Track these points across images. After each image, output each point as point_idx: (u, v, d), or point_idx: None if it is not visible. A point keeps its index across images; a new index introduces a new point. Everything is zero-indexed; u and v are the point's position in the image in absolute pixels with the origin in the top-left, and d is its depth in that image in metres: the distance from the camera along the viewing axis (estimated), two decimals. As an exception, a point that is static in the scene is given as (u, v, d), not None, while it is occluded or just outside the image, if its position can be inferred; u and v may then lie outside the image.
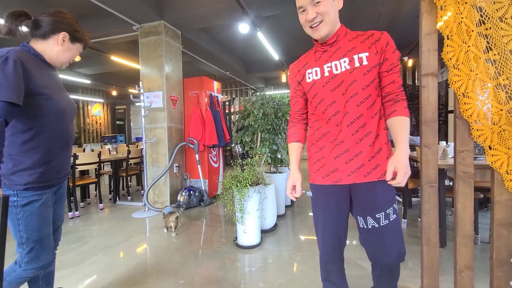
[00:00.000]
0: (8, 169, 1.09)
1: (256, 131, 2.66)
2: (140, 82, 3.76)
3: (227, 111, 9.03)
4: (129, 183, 4.99)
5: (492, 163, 1.56)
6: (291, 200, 3.73)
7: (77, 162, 3.42)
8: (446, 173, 2.39)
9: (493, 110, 1.52)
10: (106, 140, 10.28)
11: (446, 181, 2.54)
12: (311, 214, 3.39)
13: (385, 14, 4.61)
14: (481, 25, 1.54)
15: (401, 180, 0.96)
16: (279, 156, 3.16)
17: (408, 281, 1.79)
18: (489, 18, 1.53)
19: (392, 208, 1.07)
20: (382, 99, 1.08)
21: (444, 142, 2.80)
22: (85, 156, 3.60)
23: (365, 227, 1.09)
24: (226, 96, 9.83)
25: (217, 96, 4.43)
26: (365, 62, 1.03)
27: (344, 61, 1.05)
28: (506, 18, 1.49)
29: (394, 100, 1.06)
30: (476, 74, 1.55)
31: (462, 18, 1.57)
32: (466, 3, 1.55)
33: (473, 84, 1.56)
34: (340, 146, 1.06)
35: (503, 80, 1.51)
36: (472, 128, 1.58)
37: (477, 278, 1.63)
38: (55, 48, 1.21)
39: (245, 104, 2.74)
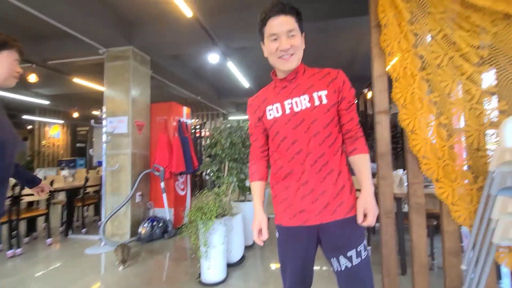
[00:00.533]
0: None
1: (224, 160, 2.64)
2: (103, 107, 3.61)
3: (197, 135, 8.94)
4: (85, 214, 4.58)
5: (439, 194, 1.68)
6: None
7: (23, 192, 3.08)
8: (403, 201, 2.53)
9: (437, 146, 1.67)
10: (64, 164, 9.46)
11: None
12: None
13: (346, 51, 5.04)
14: (423, 70, 1.73)
15: (372, 221, 0.97)
16: (247, 184, 3.14)
17: None
18: (429, 65, 1.73)
19: (362, 245, 1.05)
20: (343, 136, 1.10)
21: (401, 170, 2.97)
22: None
23: (340, 269, 1.04)
24: (197, 120, 9.76)
25: (186, 122, 4.38)
26: (324, 101, 1.03)
27: (304, 99, 1.04)
28: (442, 66, 1.69)
29: (354, 138, 1.08)
30: (421, 113, 1.71)
31: (407, 63, 1.75)
32: (409, 51, 1.74)
33: (419, 122, 1.72)
34: (305, 186, 1.04)
35: (444, 119, 1.69)
36: (421, 162, 1.71)
37: (434, 307, 1.68)
38: None
39: (213, 133, 2.73)
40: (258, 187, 1.19)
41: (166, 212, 3.76)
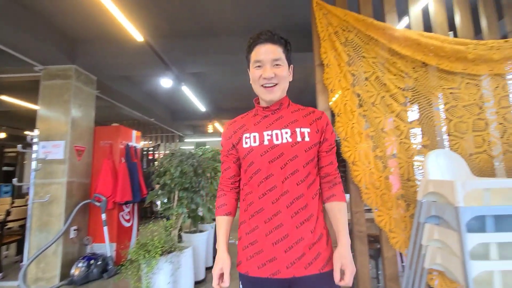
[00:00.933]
0: None
1: (173, 190, 2.49)
2: (36, 130, 3.20)
3: (150, 157, 8.42)
4: (4, 254, 3.85)
5: (378, 222, 1.80)
6: (213, 261, 3.48)
7: None
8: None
9: (374, 177, 1.81)
10: (-17, 192, 8.01)
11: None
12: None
13: (298, 81, 5.38)
14: (360, 107, 1.90)
15: (349, 280, 0.88)
16: (200, 213, 2.99)
17: None
18: (365, 103, 1.90)
19: None
20: (320, 180, 1.03)
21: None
22: None
23: None
24: (150, 142, 9.26)
25: (135, 147, 4.10)
26: (307, 138, 0.97)
27: (286, 132, 0.97)
28: (375, 104, 1.88)
29: (332, 183, 1.02)
30: (360, 146, 1.86)
31: (346, 100, 1.91)
32: (348, 89, 1.91)
33: (359, 154, 1.85)
34: (279, 230, 0.92)
35: (379, 152, 1.84)
36: (362, 192, 1.83)
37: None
38: None
39: (161, 161, 2.58)
40: (225, 223, 1.03)
41: (106, 248, 3.35)
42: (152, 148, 8.66)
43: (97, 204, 3.41)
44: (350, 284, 0.89)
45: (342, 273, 0.89)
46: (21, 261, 3.79)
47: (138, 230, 3.99)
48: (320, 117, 1.03)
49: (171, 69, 3.52)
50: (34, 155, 3.09)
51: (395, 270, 1.74)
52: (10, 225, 3.71)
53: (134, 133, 4.20)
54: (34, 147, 3.13)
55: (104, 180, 3.51)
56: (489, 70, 1.86)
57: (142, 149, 6.99)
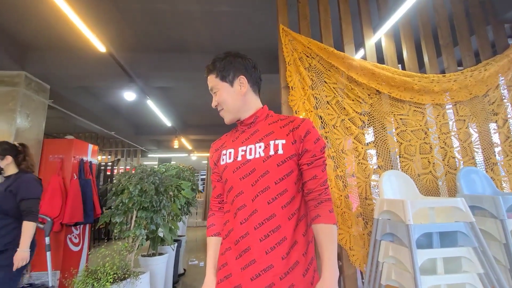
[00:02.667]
0: None
1: (131, 209, 2.32)
2: (-31, 141, 2.80)
3: (108, 173, 7.82)
4: None
5: (339, 240, 1.85)
6: (173, 285, 3.25)
7: None
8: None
9: (335, 196, 1.88)
10: None
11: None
12: (194, 300, 3.00)
13: (265, 102, 5.52)
14: (322, 128, 2.00)
15: None
16: (160, 234, 2.81)
17: None
18: (327, 124, 2.00)
19: None
20: (305, 198, 0.91)
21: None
22: None
23: None
24: (109, 157, 8.65)
25: (90, 162, 3.79)
26: (280, 151, 0.88)
27: (260, 146, 0.91)
28: (336, 126, 1.99)
29: (317, 201, 0.88)
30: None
31: (310, 121, 2.00)
32: (311, 111, 2.00)
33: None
34: (246, 254, 0.84)
35: (340, 172, 1.93)
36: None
37: None
38: None
39: (119, 178, 2.41)
40: (213, 244, 1.00)
41: (49, 277, 2.95)
42: (110, 163, 8.08)
43: (41, 226, 3.03)
44: None
45: None
46: None
47: (88, 254, 3.61)
48: (299, 126, 0.91)
49: (135, 82, 3.40)
50: (-36, 170, 2.68)
51: (355, 287, 1.79)
52: None
53: (91, 147, 3.89)
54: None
55: (51, 198, 3.15)
56: (432, 100, 2.10)
57: (99, 165, 6.49)
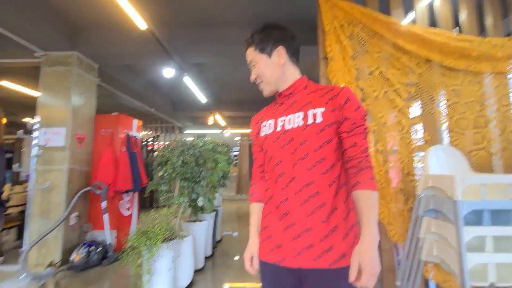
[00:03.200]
0: None
1: (174, 179, 2.51)
2: (36, 116, 3.19)
3: (149, 148, 8.42)
4: (4, 239, 3.88)
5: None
6: (212, 250, 3.53)
7: None
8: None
9: (375, 171, 1.83)
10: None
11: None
12: (236, 257, 3.25)
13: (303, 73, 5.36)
14: (363, 101, 1.92)
15: (366, 282, 0.76)
16: (199, 204, 3.02)
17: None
18: (368, 97, 1.91)
19: None
20: (345, 166, 0.92)
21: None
22: None
23: None
24: (150, 133, 9.24)
25: (135, 136, 4.10)
26: (319, 119, 0.89)
27: (299, 116, 0.93)
28: (378, 98, 1.89)
29: (357, 168, 0.88)
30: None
31: (350, 94, 1.92)
32: (352, 83, 1.91)
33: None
34: (287, 217, 0.89)
35: (380, 146, 1.87)
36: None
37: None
38: None
39: (163, 151, 2.59)
40: (255, 210, 1.07)
41: (106, 235, 3.39)
42: (151, 139, 8.66)
43: (97, 192, 3.43)
44: (369, 286, 0.76)
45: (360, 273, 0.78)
46: (21, 246, 3.83)
47: (138, 219, 4.03)
48: (338, 94, 0.91)
49: (173, 59, 3.50)
50: (34, 142, 3.09)
51: (391, 261, 1.78)
52: (9, 211, 3.74)
53: (135, 122, 4.20)
54: (35, 134, 3.13)
55: (104, 168, 3.52)
56: (492, 68, 1.87)
57: (141, 140, 6.99)
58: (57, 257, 3.13)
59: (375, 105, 1.90)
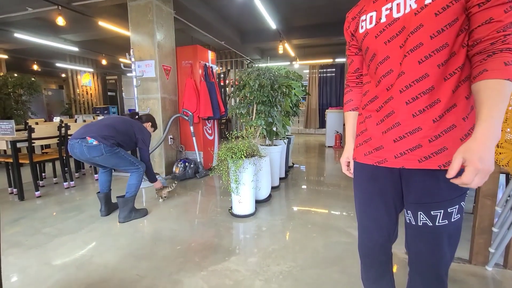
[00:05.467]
0: None
1: (252, 102, 2.62)
2: (131, 50, 3.59)
3: (222, 83, 8.84)
4: (124, 155, 4.98)
5: (499, 161, 1.57)
6: (285, 173, 3.80)
7: (69, 132, 3.37)
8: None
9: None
10: (98, 112, 10.03)
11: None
12: (304, 186, 3.48)
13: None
14: None
15: (469, 179, 0.61)
16: (274, 129, 3.15)
17: (395, 247, 1.88)
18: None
19: (457, 206, 0.77)
20: (470, 52, 0.71)
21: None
22: (77, 127, 3.53)
23: (413, 223, 0.82)
24: (220, 68, 9.55)
25: (211, 67, 4.29)
26: None
27: None
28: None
29: (487, 53, 0.66)
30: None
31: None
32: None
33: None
34: (390, 118, 0.80)
35: None
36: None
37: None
38: None
39: (240, 75, 2.66)
40: (351, 118, 1.04)
41: (196, 155, 3.98)
42: (222, 75, 8.99)
43: (185, 118, 3.92)
44: (471, 185, 0.62)
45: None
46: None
47: (219, 142, 4.53)
48: None
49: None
50: (133, 73, 3.57)
51: (493, 187, 1.59)
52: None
53: (210, 53, 4.33)
54: (133, 66, 3.58)
55: (188, 97, 3.91)
56: None
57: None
58: (162, 169, 3.89)
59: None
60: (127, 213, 2.39)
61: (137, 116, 2.71)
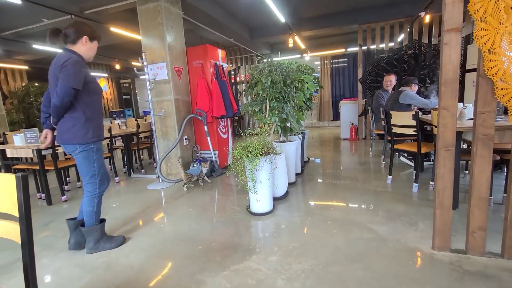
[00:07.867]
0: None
1: (265, 100, 2.59)
2: (143, 54, 3.65)
3: (232, 81, 8.83)
4: (142, 157, 5.11)
5: (500, 97, 1.48)
6: (301, 169, 3.76)
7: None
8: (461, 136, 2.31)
9: None
10: (115, 115, 10.35)
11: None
12: (320, 180, 3.43)
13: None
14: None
15: None
16: (288, 124, 3.12)
17: (419, 242, 1.83)
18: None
19: None
20: None
21: (461, 104, 2.67)
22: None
23: None
24: (231, 65, 9.53)
25: (222, 65, 4.29)
26: None
27: None
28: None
29: None
30: (505, 27, 1.41)
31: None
32: None
33: (501, 39, 1.43)
34: None
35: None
36: (496, 88, 1.49)
37: (488, 238, 1.64)
38: (82, 48, 1.85)
39: (252, 73, 2.64)
40: None
41: (211, 154, 4.02)
42: (233, 71, 8.97)
43: (199, 118, 3.95)
44: None
45: None
46: (153, 162, 4.98)
47: (233, 140, 4.55)
48: None
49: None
50: (146, 77, 3.62)
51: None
52: (140, 135, 4.78)
53: (220, 51, 4.33)
54: (145, 70, 3.64)
55: (201, 97, 3.93)
56: None
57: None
58: (179, 169, 3.96)
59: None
60: (93, 244, 1.99)
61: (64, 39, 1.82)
